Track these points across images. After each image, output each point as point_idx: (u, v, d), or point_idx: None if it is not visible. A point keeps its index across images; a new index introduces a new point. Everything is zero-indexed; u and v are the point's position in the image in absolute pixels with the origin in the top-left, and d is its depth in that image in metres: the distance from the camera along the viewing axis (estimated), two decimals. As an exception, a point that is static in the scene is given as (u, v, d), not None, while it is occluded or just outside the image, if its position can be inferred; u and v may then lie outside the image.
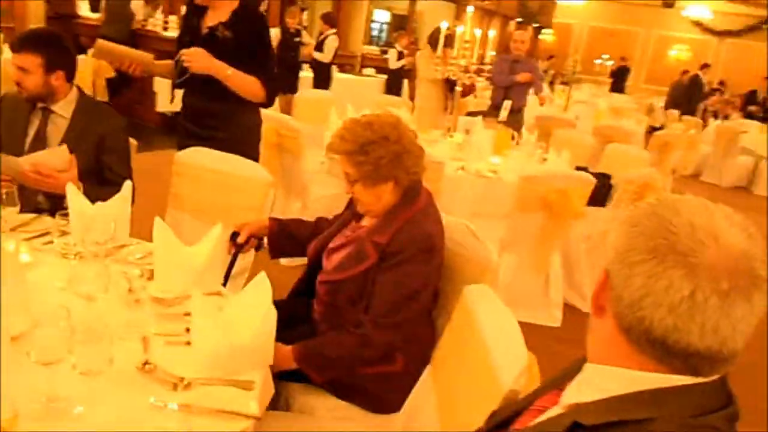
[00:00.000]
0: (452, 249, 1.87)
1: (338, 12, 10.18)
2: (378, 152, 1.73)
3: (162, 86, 6.94)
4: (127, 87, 6.82)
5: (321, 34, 8.09)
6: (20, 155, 2.15)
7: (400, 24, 14.34)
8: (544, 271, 3.57)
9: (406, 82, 9.18)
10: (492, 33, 4.68)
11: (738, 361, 0.80)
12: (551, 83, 11.92)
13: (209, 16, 2.75)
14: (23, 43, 2.25)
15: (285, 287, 2.03)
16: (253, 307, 1.47)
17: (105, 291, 1.56)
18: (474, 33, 4.51)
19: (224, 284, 1.97)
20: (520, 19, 14.53)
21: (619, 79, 14.13)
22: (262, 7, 7.53)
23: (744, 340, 0.77)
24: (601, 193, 3.80)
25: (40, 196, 2.26)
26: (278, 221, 2.09)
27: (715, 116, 10.10)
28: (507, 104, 5.34)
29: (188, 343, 1.46)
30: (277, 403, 1.75)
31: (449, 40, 4.63)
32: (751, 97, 12.54)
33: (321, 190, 3.97)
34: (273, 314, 1.44)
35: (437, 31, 4.87)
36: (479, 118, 5.05)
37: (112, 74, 6.37)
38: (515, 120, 5.42)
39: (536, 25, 15.72)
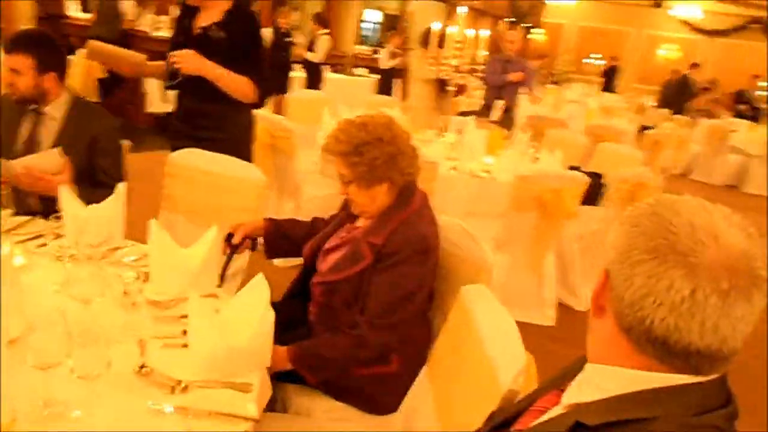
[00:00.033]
0: (447, 249, 1.87)
1: (329, 12, 10.17)
2: (372, 153, 1.73)
3: (152, 87, 6.90)
4: (119, 87, 6.78)
5: (313, 34, 8.09)
6: (12, 158, 2.14)
7: (392, 24, 14.33)
8: (537, 271, 3.58)
9: (397, 81, 9.17)
10: (487, 33, 4.68)
11: (739, 361, 0.80)
12: (543, 83, 11.94)
13: (201, 16, 2.74)
14: (15, 44, 2.23)
15: (278, 288, 2.02)
16: (251, 309, 1.47)
17: (100, 294, 1.55)
18: (465, 33, 4.51)
19: (219, 285, 1.96)
20: (511, 19, 14.55)
21: (610, 79, 14.19)
22: (254, 8, 7.50)
23: (743, 338, 0.78)
24: (594, 193, 3.81)
25: (32, 198, 2.24)
26: (273, 221, 2.09)
27: (708, 116, 10.17)
28: (500, 104, 5.35)
29: (185, 346, 1.45)
30: (273, 405, 1.74)
31: (441, 41, 4.63)
32: (740, 96, 12.64)
33: (314, 190, 3.97)
34: (270, 316, 1.43)
35: (428, 31, 4.87)
36: (472, 117, 5.06)
37: (103, 75, 6.33)
38: (507, 119, 5.44)
39: (526, 24, 15.74)
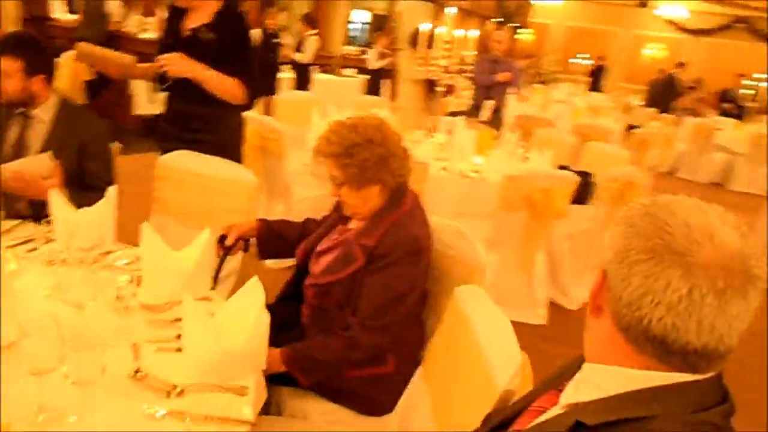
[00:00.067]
0: (440, 250, 1.87)
1: (317, 12, 10.15)
2: (363, 155, 1.73)
3: (140, 89, 6.86)
4: (106, 89, 6.73)
5: (301, 34, 8.08)
6: (0, 162, 2.12)
7: (380, 24, 14.31)
8: (528, 270, 3.60)
9: (386, 82, 9.17)
10: (476, 33, 4.69)
11: (736, 360, 0.81)
12: (530, 83, 11.99)
13: (190, 18, 2.72)
14: (2, 46, 2.20)
15: (270, 290, 2.02)
16: (246, 312, 1.46)
17: (93, 298, 1.54)
18: (453, 34, 4.52)
19: (213, 288, 1.96)
20: (498, 19, 14.59)
21: (596, 78, 14.28)
22: (241, 9, 7.48)
23: (739, 336, 0.79)
24: (583, 192, 3.83)
25: (22, 203, 2.22)
26: (266, 222, 2.08)
27: (693, 114, 10.25)
28: (489, 104, 5.36)
29: (179, 350, 1.45)
30: (267, 408, 1.73)
31: (430, 41, 4.64)
32: (725, 95, 12.75)
33: (304, 191, 3.96)
34: (266, 319, 1.43)
35: (417, 31, 4.88)
36: (461, 118, 5.07)
37: (89, 77, 6.29)
38: (496, 119, 5.46)
39: (514, 24, 15.80)
